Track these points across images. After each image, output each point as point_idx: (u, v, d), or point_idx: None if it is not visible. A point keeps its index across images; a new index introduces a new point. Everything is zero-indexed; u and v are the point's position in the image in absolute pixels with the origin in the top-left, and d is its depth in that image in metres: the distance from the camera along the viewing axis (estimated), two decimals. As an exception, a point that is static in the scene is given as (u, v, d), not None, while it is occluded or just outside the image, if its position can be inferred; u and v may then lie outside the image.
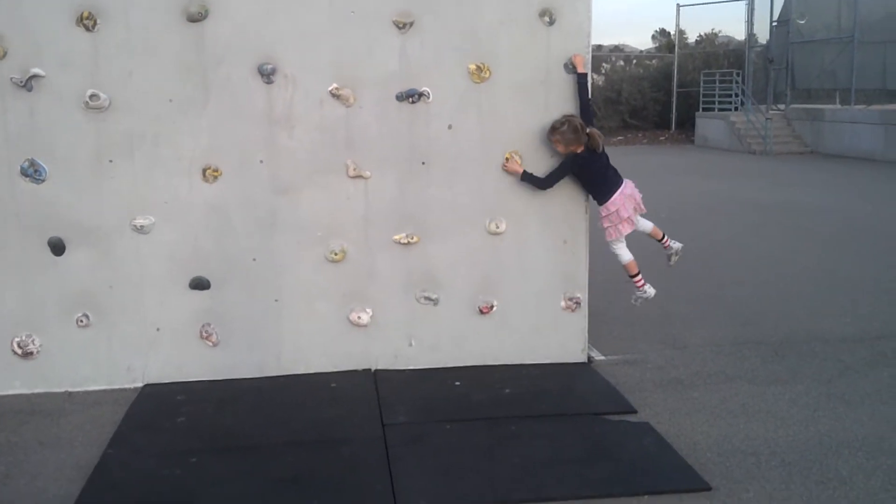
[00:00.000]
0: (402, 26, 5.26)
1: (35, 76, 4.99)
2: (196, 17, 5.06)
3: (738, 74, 26.64)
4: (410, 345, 5.60)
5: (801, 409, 4.97)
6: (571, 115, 5.37)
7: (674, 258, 6.06)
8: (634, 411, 4.93)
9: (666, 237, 5.99)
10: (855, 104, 22.72)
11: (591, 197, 5.61)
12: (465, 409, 4.96)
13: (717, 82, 27.29)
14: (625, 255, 5.76)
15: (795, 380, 5.44)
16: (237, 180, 5.28)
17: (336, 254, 5.41)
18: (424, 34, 5.30)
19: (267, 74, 5.17)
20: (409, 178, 5.43)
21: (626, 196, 5.54)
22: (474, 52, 5.37)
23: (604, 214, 5.58)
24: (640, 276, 5.86)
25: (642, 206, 5.69)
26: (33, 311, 5.23)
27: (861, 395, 5.17)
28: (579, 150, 5.37)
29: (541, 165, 5.50)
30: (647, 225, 5.86)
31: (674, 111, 29.14)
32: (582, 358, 5.75)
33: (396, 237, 5.46)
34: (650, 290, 5.91)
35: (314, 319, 5.48)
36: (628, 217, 5.57)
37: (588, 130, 5.34)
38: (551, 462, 4.26)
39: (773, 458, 4.31)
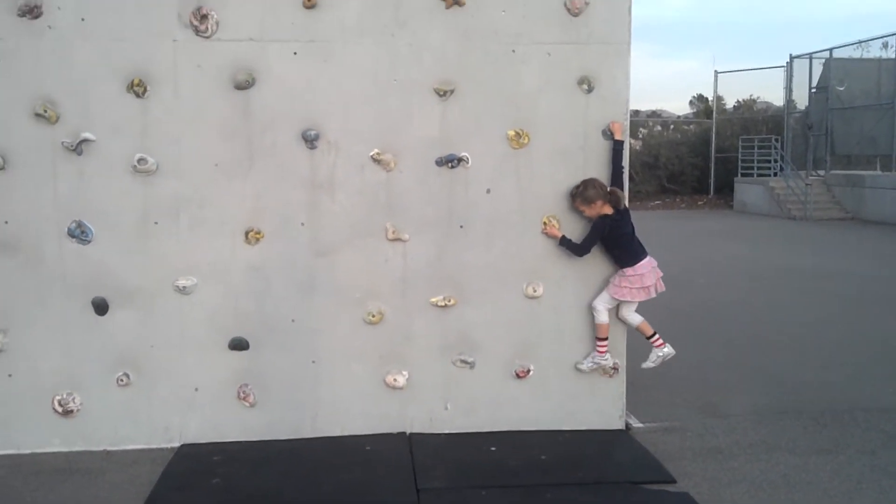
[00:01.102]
0: (442, 94, 5.36)
1: (85, 140, 5.14)
2: (243, 85, 5.21)
3: (776, 140, 26.61)
4: (446, 408, 5.59)
5: (844, 480, 4.86)
6: (589, 178, 5.42)
7: (652, 362, 5.84)
8: (674, 481, 4.85)
9: (657, 335, 5.80)
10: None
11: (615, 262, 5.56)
12: (501, 476, 4.92)
13: (756, 148, 27.26)
14: (635, 318, 5.64)
15: (838, 450, 5.33)
16: (278, 243, 5.37)
17: (373, 316, 5.45)
18: (465, 101, 5.40)
19: (311, 140, 5.29)
20: (447, 242, 5.49)
21: (653, 267, 5.53)
22: (513, 118, 5.45)
23: (629, 274, 5.46)
24: (657, 336, 5.77)
25: (661, 284, 5.61)
26: (75, 369, 5.31)
27: (906, 467, 5.05)
28: (608, 212, 5.40)
29: (578, 230, 5.53)
30: (638, 318, 5.69)
31: (712, 176, 29.10)
32: (620, 425, 5.69)
33: (434, 300, 5.49)
34: (670, 349, 5.79)
35: (350, 381, 5.50)
36: (649, 286, 5.50)
37: (609, 189, 5.38)
38: (588, 531, 4.20)
39: (816, 531, 4.21)
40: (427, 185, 5.44)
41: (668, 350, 5.77)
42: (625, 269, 5.47)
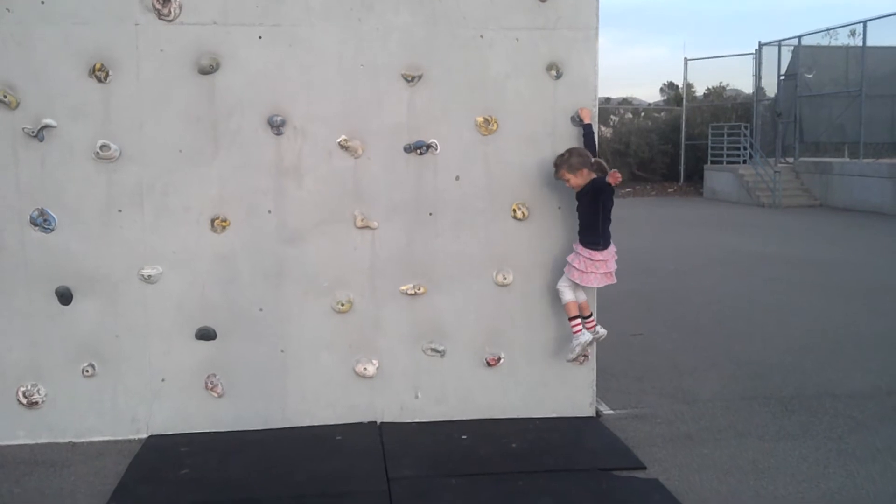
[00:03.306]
0: (410, 79, 5.31)
1: (47, 126, 5.04)
2: (207, 70, 5.13)
3: (746, 127, 26.78)
4: (417, 397, 5.56)
5: (812, 465, 4.89)
6: (573, 147, 5.37)
7: (578, 351, 5.44)
8: (643, 467, 4.86)
9: (593, 318, 5.58)
10: (864, 157, 22.78)
11: (581, 238, 5.38)
12: (472, 464, 4.91)
13: (726, 135, 27.43)
14: (569, 294, 5.42)
15: (806, 436, 5.37)
16: (245, 230, 5.30)
17: (342, 304, 5.40)
18: (432, 87, 5.35)
19: (276, 126, 5.22)
20: (416, 229, 5.44)
21: (614, 253, 5.43)
22: (482, 104, 5.41)
23: (597, 259, 5.29)
24: (579, 320, 5.45)
25: (614, 276, 5.47)
26: (39, 360, 5.22)
27: (872, 451, 5.09)
28: (596, 178, 5.29)
29: (547, 217, 5.51)
30: (583, 295, 5.54)
31: (682, 163, 29.26)
32: (590, 412, 5.69)
33: (403, 288, 5.46)
34: (587, 336, 5.44)
35: (320, 371, 5.45)
36: (612, 272, 5.38)
37: (594, 159, 5.32)
38: (558, 518, 4.19)
39: (784, 516, 4.24)
40: (395, 172, 5.39)
41: (586, 337, 5.44)
42: (593, 253, 5.30)
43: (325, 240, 5.37)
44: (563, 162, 5.28)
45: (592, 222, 5.33)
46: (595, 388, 5.73)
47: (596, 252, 5.31)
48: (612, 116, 32.33)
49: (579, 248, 5.35)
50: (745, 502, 4.39)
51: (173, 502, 4.41)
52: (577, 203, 5.40)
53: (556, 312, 5.59)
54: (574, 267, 5.34)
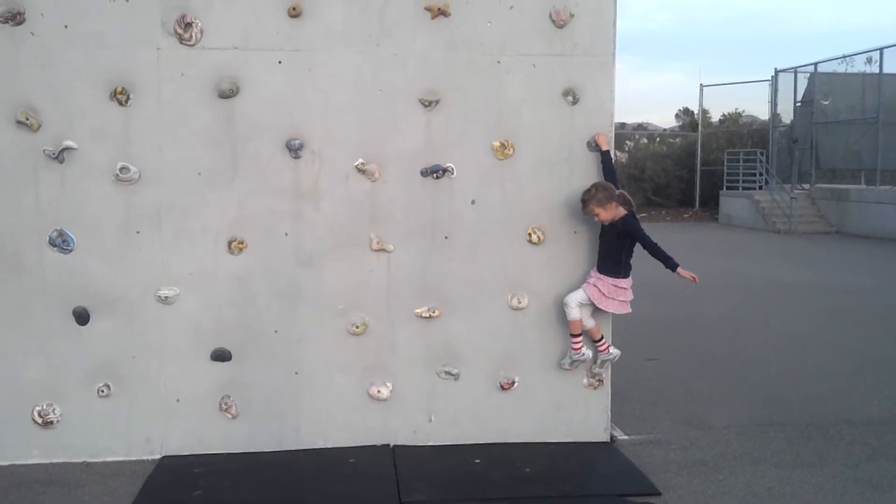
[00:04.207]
0: (427, 104, 5.35)
1: (67, 148, 5.10)
2: (227, 94, 5.18)
3: (762, 153, 26.75)
4: (430, 420, 5.56)
5: (829, 494, 4.85)
6: (596, 182, 5.39)
7: (570, 366, 5.54)
8: (658, 493, 4.83)
9: (605, 340, 5.60)
10: (880, 184, 22.69)
11: (601, 266, 5.42)
12: (485, 488, 4.89)
13: (742, 161, 27.40)
14: (576, 312, 5.42)
15: (822, 463, 5.32)
16: (262, 252, 5.33)
17: (357, 327, 5.42)
18: (449, 111, 5.39)
19: (294, 149, 5.26)
20: (431, 252, 5.46)
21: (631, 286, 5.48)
22: (498, 129, 5.44)
23: (622, 287, 5.38)
24: (581, 338, 5.47)
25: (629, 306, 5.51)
26: (55, 379, 5.25)
27: (889, 479, 5.05)
28: (623, 212, 5.34)
29: (563, 241, 5.52)
30: (592, 322, 5.55)
31: (697, 189, 29.21)
32: (604, 437, 5.66)
33: (418, 311, 5.47)
34: (587, 355, 5.51)
35: (334, 393, 5.46)
36: (625, 302, 5.42)
37: (619, 191, 5.35)
38: (572, 544, 4.17)
39: (800, 544, 4.20)
40: (412, 196, 5.42)
41: (587, 356, 5.52)
42: (619, 280, 5.37)
43: (340, 262, 5.39)
44: (591, 198, 5.28)
45: (616, 255, 5.39)
46: (609, 413, 5.70)
47: (619, 280, 5.36)
48: (627, 142, 32.36)
49: (601, 276, 5.39)
50: (761, 530, 4.36)
51: (187, 523, 4.41)
52: (601, 232, 5.44)
53: (569, 336, 5.57)
54: (597, 288, 5.37)
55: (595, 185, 5.33)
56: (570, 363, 5.51)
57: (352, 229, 5.39)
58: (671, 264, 5.32)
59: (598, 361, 5.59)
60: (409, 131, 5.38)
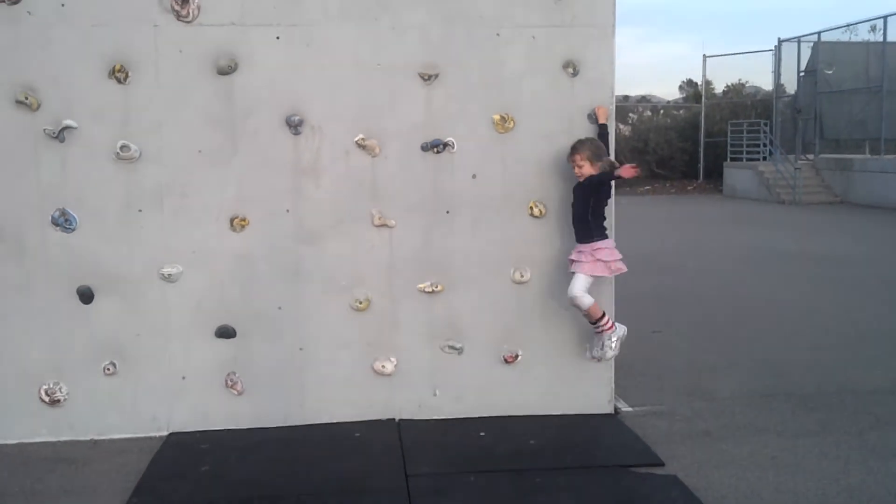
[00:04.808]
0: (426, 78, 5.33)
1: (67, 127, 5.10)
2: (225, 70, 5.16)
3: (765, 124, 26.64)
4: (435, 394, 5.58)
5: (832, 462, 4.87)
6: (590, 137, 5.35)
7: (616, 347, 5.39)
8: (662, 464, 4.85)
9: (605, 317, 5.38)
10: (885, 154, 22.59)
11: (577, 236, 5.33)
12: (490, 461, 4.92)
13: (745, 132, 27.29)
14: (588, 298, 5.28)
15: (826, 432, 5.34)
16: (264, 230, 5.34)
17: (360, 303, 5.43)
18: (449, 85, 5.37)
19: (294, 126, 5.25)
20: (433, 228, 5.46)
21: (614, 249, 5.38)
22: (498, 102, 5.42)
23: (602, 247, 5.26)
24: (607, 316, 5.36)
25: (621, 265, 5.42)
26: (61, 358, 5.28)
27: (892, 448, 5.06)
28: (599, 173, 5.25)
29: (564, 214, 5.50)
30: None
31: (701, 161, 29.14)
32: (608, 409, 5.68)
33: (421, 286, 5.47)
34: (623, 329, 5.42)
35: (338, 368, 5.48)
36: (611, 262, 5.30)
37: (608, 157, 5.29)
38: (576, 515, 4.20)
39: (803, 512, 4.22)
40: (412, 171, 5.41)
41: (622, 330, 5.42)
42: (597, 243, 5.26)
43: (342, 239, 5.40)
44: (583, 147, 5.21)
45: (583, 218, 5.29)
46: (613, 385, 5.72)
47: (596, 243, 5.26)
48: (630, 114, 32.24)
49: (580, 247, 5.31)
50: (765, 498, 4.38)
51: (194, 499, 4.45)
52: (572, 199, 5.36)
53: (573, 309, 5.58)
54: (582, 261, 5.25)
55: (590, 139, 5.29)
56: (614, 345, 5.33)
57: (353, 205, 5.39)
58: (613, 174, 5.19)
59: (606, 344, 5.37)
60: (409, 106, 5.36)
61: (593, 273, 5.30)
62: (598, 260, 5.26)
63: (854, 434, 5.29)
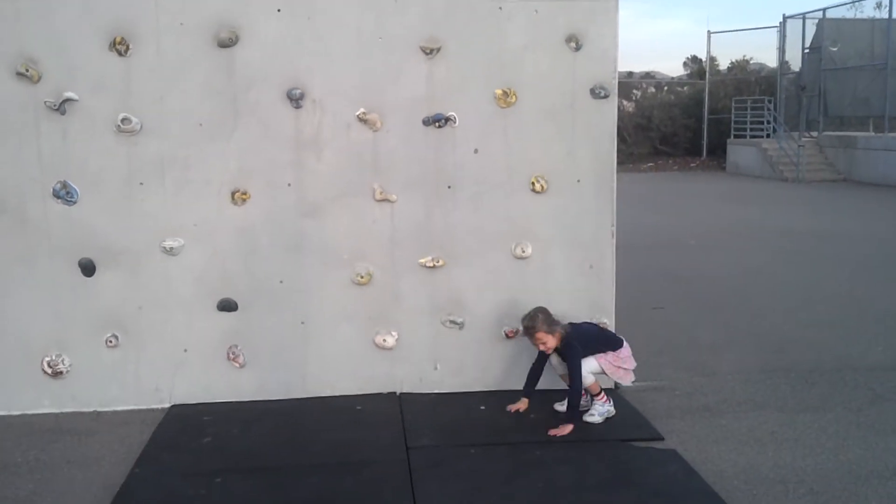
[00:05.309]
0: (428, 52, 5.31)
1: (68, 100, 5.09)
2: (226, 43, 5.15)
3: (769, 101, 26.52)
4: (436, 368, 5.60)
5: (831, 437, 4.89)
6: (535, 308, 5.15)
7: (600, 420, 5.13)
8: (661, 438, 4.88)
9: (603, 394, 5.21)
10: (889, 132, 22.49)
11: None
12: (490, 434, 4.94)
13: (749, 109, 27.18)
14: (591, 379, 5.12)
15: (825, 408, 5.36)
16: (265, 203, 5.34)
17: (362, 277, 5.44)
18: (451, 59, 5.35)
19: (295, 99, 5.24)
20: (435, 202, 5.46)
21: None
22: (500, 76, 5.40)
23: (623, 356, 5.22)
24: (603, 394, 5.20)
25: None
26: (63, 330, 5.30)
27: (892, 424, 5.08)
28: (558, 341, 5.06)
29: (566, 190, 5.50)
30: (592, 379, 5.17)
31: (705, 138, 29.04)
32: (608, 384, 5.69)
33: (422, 260, 5.48)
34: (611, 407, 5.19)
35: (340, 342, 5.50)
36: (631, 369, 5.28)
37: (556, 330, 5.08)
38: (575, 488, 4.22)
39: (800, 486, 4.24)
40: (414, 145, 5.40)
41: (610, 408, 5.19)
42: (619, 352, 5.20)
43: (344, 213, 5.40)
44: (535, 322, 5.01)
45: (591, 350, 5.13)
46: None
47: (621, 350, 5.22)
48: (634, 91, 32.10)
49: (603, 353, 5.18)
50: (763, 473, 4.40)
51: (196, 469, 4.48)
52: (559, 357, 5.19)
53: (573, 285, 5.60)
54: (610, 363, 5.16)
55: (532, 312, 5.08)
56: (600, 416, 5.12)
57: (354, 179, 5.38)
58: (571, 414, 4.97)
59: (599, 411, 5.16)
60: (411, 80, 5.34)
61: (613, 377, 5.21)
62: (619, 367, 5.19)
63: (853, 410, 5.31)
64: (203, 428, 5.04)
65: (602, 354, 5.14)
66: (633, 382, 5.35)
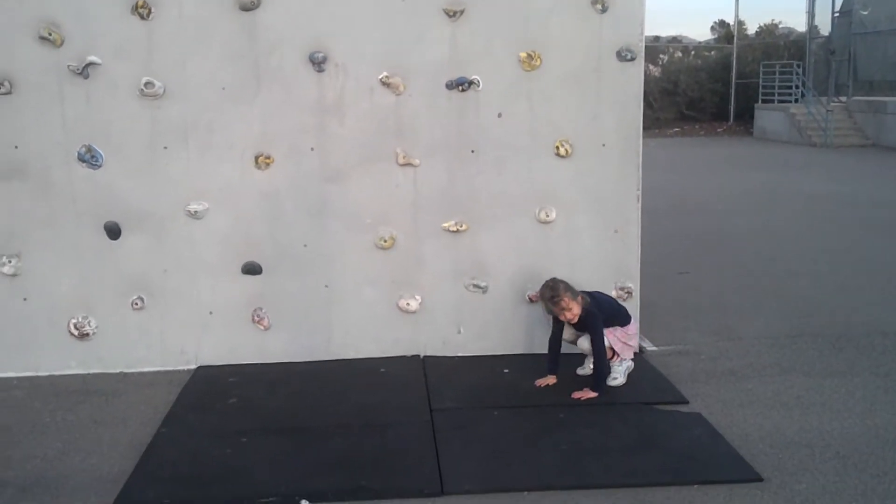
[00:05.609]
0: (452, 14, 5.25)
1: (91, 64, 5.09)
2: (248, 6, 5.11)
3: (798, 66, 26.10)
4: (459, 332, 5.60)
5: (858, 402, 4.85)
6: (549, 281, 5.03)
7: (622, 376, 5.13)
8: (686, 402, 4.86)
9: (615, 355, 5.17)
10: (919, 96, 22.10)
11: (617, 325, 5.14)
12: (513, 397, 4.95)
13: (777, 74, 26.78)
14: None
15: (853, 372, 5.31)
16: (289, 168, 5.33)
17: (385, 241, 5.43)
18: (474, 22, 5.28)
19: (318, 63, 5.21)
20: (458, 166, 5.43)
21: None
22: (524, 39, 5.33)
23: (632, 332, 5.20)
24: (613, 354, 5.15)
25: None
26: (89, 293, 5.34)
27: (921, 388, 5.04)
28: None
29: (591, 154, 5.45)
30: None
31: (732, 102, 28.68)
32: (635, 346, 5.67)
33: (445, 225, 5.46)
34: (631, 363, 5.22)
35: (363, 305, 5.51)
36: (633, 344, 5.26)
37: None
38: (599, 450, 4.22)
39: (827, 450, 4.21)
40: (437, 109, 5.36)
41: (629, 363, 5.20)
42: (627, 328, 5.16)
43: (367, 177, 5.38)
44: (559, 289, 4.91)
45: (608, 319, 5.10)
46: (639, 324, 5.69)
47: (630, 327, 5.19)
48: (661, 55, 31.69)
49: (624, 328, 5.16)
50: (789, 437, 4.37)
51: (222, 430, 4.52)
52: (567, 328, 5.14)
53: (598, 250, 5.56)
54: (620, 340, 5.12)
55: (552, 280, 5.01)
56: (623, 375, 5.11)
57: (377, 144, 5.36)
58: (599, 385, 4.95)
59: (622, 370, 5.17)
60: (434, 43, 5.29)
61: (623, 354, 5.15)
62: (626, 344, 5.15)
63: (881, 375, 5.26)
64: (229, 389, 5.09)
65: (612, 329, 5.10)
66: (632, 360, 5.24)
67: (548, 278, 5.10)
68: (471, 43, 5.32)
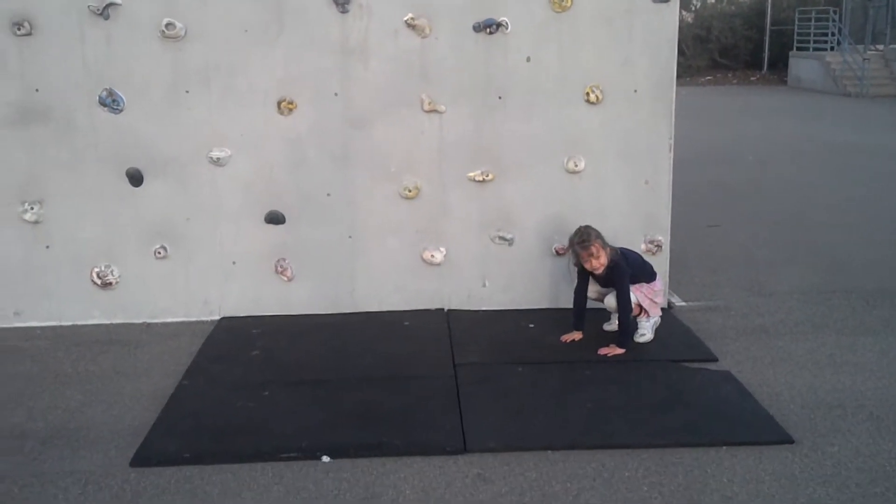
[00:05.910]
0: (481, -46, 5.06)
1: (112, 4, 4.97)
2: (271, -55, 4.96)
3: (835, 12, 25.44)
4: (484, 285, 5.51)
5: (893, 361, 4.72)
6: (581, 228, 4.89)
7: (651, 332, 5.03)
8: (715, 359, 4.75)
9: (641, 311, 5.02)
10: (961, 44, 21.50)
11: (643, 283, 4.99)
12: (538, 352, 4.87)
13: (813, 20, 26.13)
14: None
15: (888, 331, 5.18)
16: (312, 113, 5.21)
17: (409, 190, 5.32)
18: (504, -38, 5.10)
19: (341, 3, 5.05)
20: (485, 113, 5.28)
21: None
22: (556, -20, 5.14)
23: (657, 288, 5.05)
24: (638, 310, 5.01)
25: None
26: (112, 241, 5.29)
27: (958, 348, 4.90)
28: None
29: (622, 101, 5.28)
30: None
31: (766, 50, 28.10)
32: (662, 303, 5.56)
33: (471, 174, 5.34)
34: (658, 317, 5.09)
35: (387, 256, 5.43)
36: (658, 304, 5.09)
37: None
38: (625, 408, 4.13)
39: (860, 411, 4.10)
40: (464, 53, 5.20)
41: (656, 319, 5.04)
42: (653, 284, 5.00)
43: (391, 123, 5.25)
44: (589, 234, 4.77)
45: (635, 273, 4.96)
46: (668, 279, 5.59)
47: (655, 283, 5.04)
48: (693, 1, 31.04)
49: (650, 284, 5.02)
50: (821, 396, 4.27)
51: (245, 381, 4.48)
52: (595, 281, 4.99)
53: (627, 201, 5.42)
54: (648, 298, 4.97)
55: (583, 227, 4.86)
56: (651, 331, 5.00)
57: (402, 89, 5.21)
58: (625, 341, 4.83)
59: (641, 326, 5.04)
60: (462, -17, 5.12)
61: (651, 311, 4.99)
62: (653, 301, 4.99)
63: (917, 333, 5.13)
64: (252, 340, 5.04)
65: (638, 285, 4.97)
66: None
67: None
68: (500, -16, 5.14)
